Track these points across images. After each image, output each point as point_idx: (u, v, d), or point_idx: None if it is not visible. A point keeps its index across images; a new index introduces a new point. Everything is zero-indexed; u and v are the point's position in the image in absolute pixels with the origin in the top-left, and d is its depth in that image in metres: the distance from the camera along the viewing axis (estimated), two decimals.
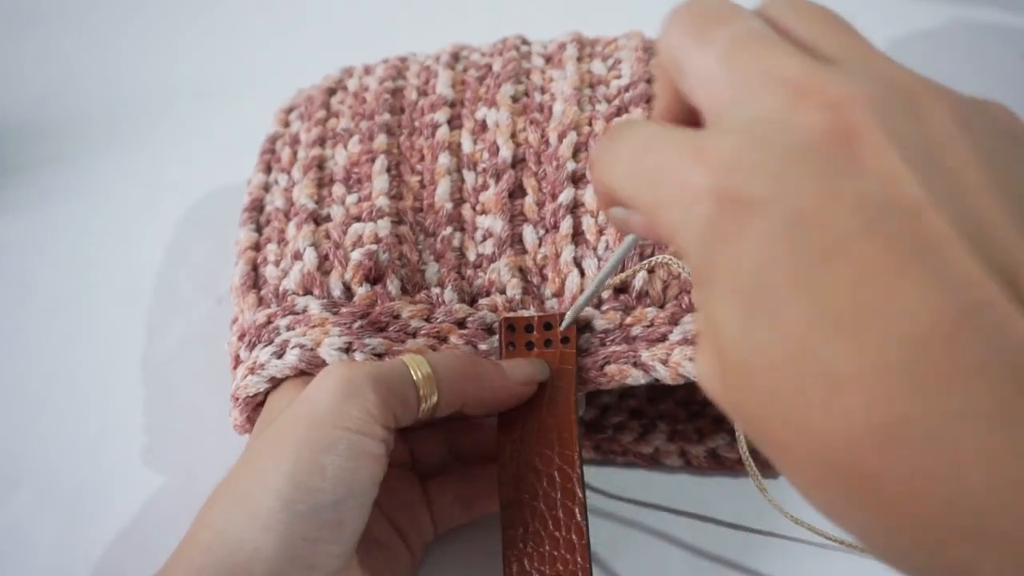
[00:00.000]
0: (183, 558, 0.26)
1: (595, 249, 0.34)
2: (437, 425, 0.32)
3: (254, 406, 0.33)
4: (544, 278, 0.35)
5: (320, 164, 0.39)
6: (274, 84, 0.48)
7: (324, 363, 0.31)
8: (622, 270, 0.33)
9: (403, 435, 0.29)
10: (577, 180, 0.36)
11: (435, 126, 0.39)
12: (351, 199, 0.37)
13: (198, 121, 0.56)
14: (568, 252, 0.35)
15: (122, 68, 0.63)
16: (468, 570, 0.33)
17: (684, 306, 0.33)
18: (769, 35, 0.19)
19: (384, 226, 0.35)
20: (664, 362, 0.31)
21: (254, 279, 0.36)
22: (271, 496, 0.26)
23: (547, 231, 0.35)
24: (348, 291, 0.34)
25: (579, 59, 0.40)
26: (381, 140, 0.39)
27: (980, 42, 0.62)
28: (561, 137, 0.37)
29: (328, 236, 0.36)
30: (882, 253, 0.16)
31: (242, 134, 0.46)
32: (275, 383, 0.32)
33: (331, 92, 0.43)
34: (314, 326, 0.33)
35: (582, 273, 0.34)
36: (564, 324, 0.32)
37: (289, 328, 0.33)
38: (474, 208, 0.36)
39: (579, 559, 0.28)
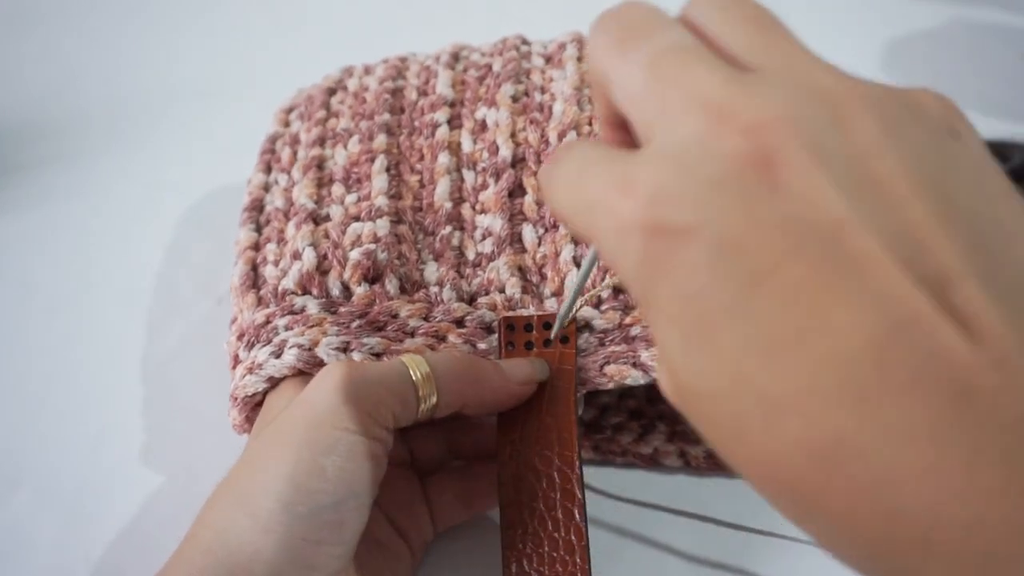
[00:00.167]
0: (184, 558, 0.26)
1: None
2: (436, 423, 0.32)
3: (253, 406, 0.33)
4: (543, 277, 0.35)
5: (320, 164, 0.39)
6: (274, 84, 0.48)
7: (322, 363, 0.31)
8: (594, 284, 0.33)
9: (402, 433, 0.29)
10: None
11: (435, 126, 0.39)
12: (350, 199, 0.37)
13: (198, 121, 0.56)
14: (568, 251, 0.35)
15: (122, 68, 0.63)
16: (468, 570, 0.33)
17: None
18: (690, 48, 0.19)
19: (383, 225, 0.35)
20: None
21: (253, 279, 0.36)
22: (271, 498, 0.26)
23: (546, 230, 0.35)
24: (347, 290, 0.34)
25: (579, 59, 0.40)
26: (381, 140, 0.39)
27: (980, 42, 0.62)
28: (561, 137, 0.37)
29: (327, 236, 0.36)
30: (809, 275, 0.16)
31: (242, 134, 0.46)
32: (274, 383, 0.32)
33: (331, 92, 0.43)
34: (312, 326, 0.33)
35: None
36: (553, 334, 0.32)
37: (287, 328, 0.33)
38: (473, 207, 0.36)
39: (578, 560, 0.28)
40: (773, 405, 0.16)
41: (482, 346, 0.33)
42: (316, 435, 0.26)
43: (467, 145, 0.38)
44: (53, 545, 0.34)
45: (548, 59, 0.41)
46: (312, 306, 0.33)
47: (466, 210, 0.36)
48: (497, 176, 0.37)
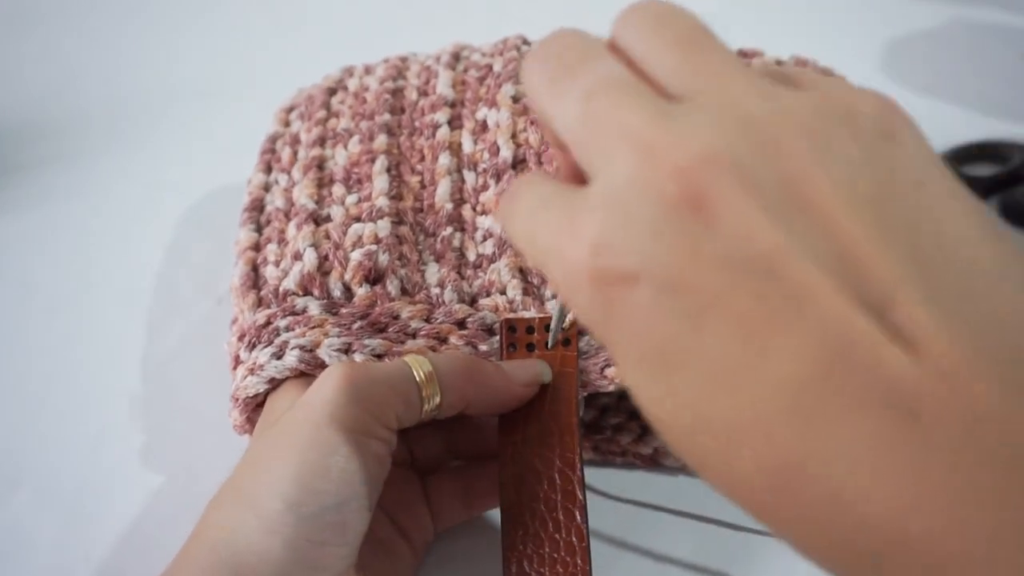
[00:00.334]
0: (190, 558, 0.26)
1: None
2: (436, 424, 0.32)
3: (254, 406, 0.33)
4: (544, 279, 0.35)
5: (320, 164, 0.39)
6: (274, 84, 0.48)
7: (323, 364, 0.31)
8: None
9: (402, 434, 0.29)
10: None
11: (435, 126, 0.38)
12: (351, 199, 0.37)
13: (198, 121, 0.56)
14: None
15: (122, 68, 0.63)
16: (469, 571, 0.33)
17: None
18: (619, 83, 0.19)
19: (384, 226, 0.35)
20: None
21: (254, 279, 0.36)
22: (277, 499, 0.26)
23: None
24: (348, 291, 0.34)
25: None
26: (381, 140, 0.39)
27: (980, 42, 0.62)
28: None
29: (328, 236, 0.36)
30: (750, 308, 0.16)
31: (242, 134, 0.46)
32: (275, 384, 0.32)
33: (331, 92, 0.43)
34: (313, 327, 0.33)
35: None
36: (549, 344, 0.32)
37: (288, 329, 0.33)
38: (474, 208, 0.36)
39: (579, 561, 0.28)
40: (729, 434, 0.17)
41: (484, 348, 0.32)
42: (321, 436, 0.26)
43: (468, 146, 0.38)
44: (53, 545, 0.34)
45: None
46: (313, 307, 0.33)
47: (467, 211, 0.36)
48: (498, 177, 0.37)
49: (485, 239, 0.36)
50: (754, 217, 0.17)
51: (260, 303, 0.35)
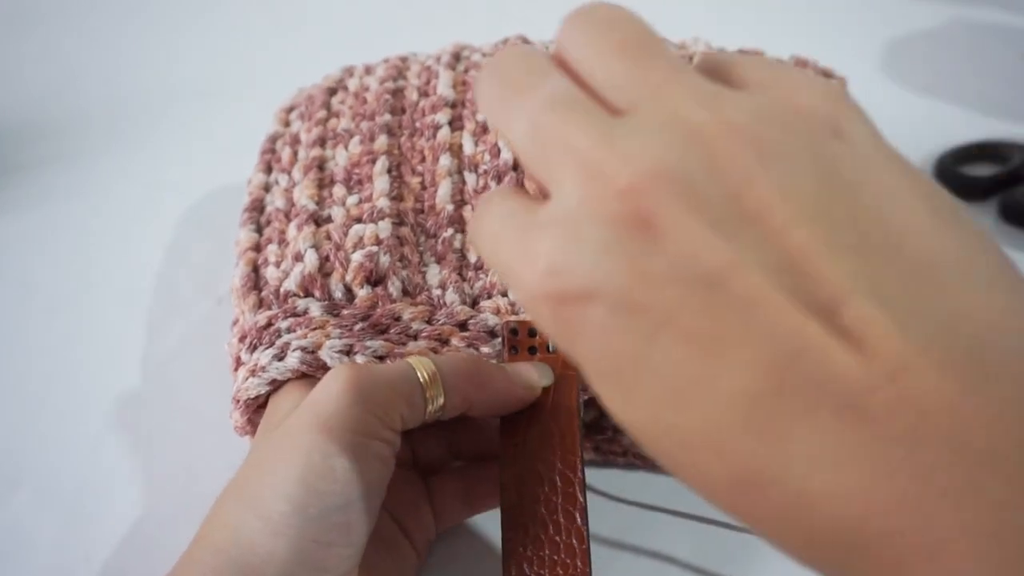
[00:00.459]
0: (195, 560, 0.26)
1: None
2: (439, 425, 0.32)
3: (255, 408, 0.33)
4: None
5: (321, 165, 0.39)
6: (274, 84, 0.48)
7: (325, 366, 0.31)
8: None
9: (405, 434, 0.29)
10: None
11: (436, 127, 0.38)
12: (352, 200, 0.37)
13: (198, 121, 0.56)
14: None
15: (122, 68, 0.63)
16: (470, 569, 0.33)
17: None
18: (564, 101, 0.19)
19: (385, 228, 0.35)
20: None
21: (255, 280, 0.36)
22: (282, 500, 0.26)
23: None
24: (349, 293, 0.34)
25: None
26: (382, 141, 0.39)
27: (980, 42, 0.62)
28: None
29: (329, 237, 0.36)
30: (701, 322, 0.17)
31: (242, 134, 0.46)
32: (276, 385, 0.32)
33: (332, 92, 0.43)
34: (315, 328, 0.33)
35: None
36: (550, 346, 0.32)
37: (290, 330, 0.33)
38: (475, 210, 0.36)
39: (579, 563, 0.28)
40: (692, 444, 0.17)
41: (485, 350, 0.32)
42: (325, 437, 0.26)
43: (468, 147, 0.38)
44: (53, 545, 0.34)
45: None
46: (315, 308, 0.33)
47: (468, 212, 0.36)
48: (499, 178, 0.36)
49: None
50: (699, 233, 0.17)
51: (261, 304, 0.35)
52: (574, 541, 0.28)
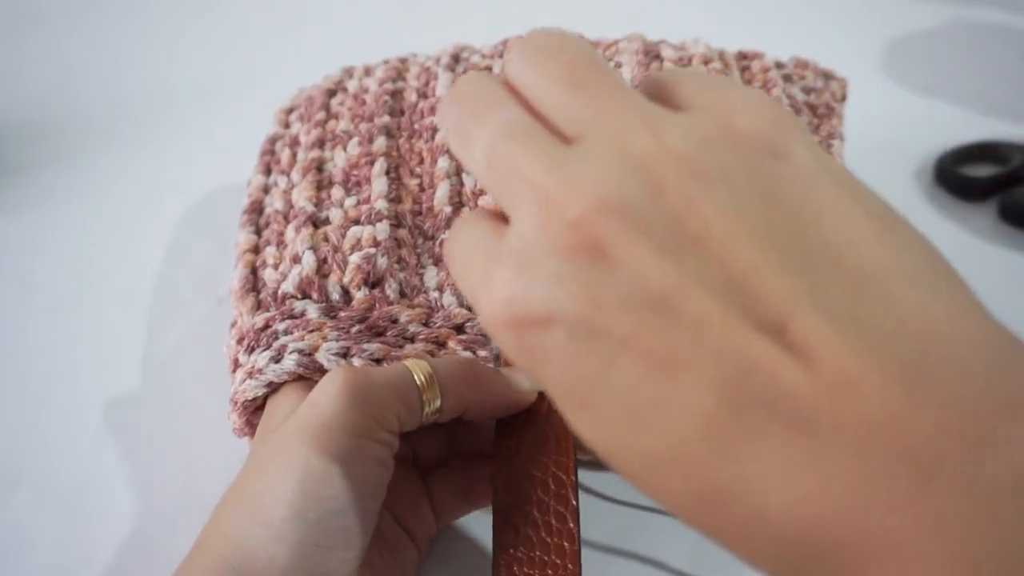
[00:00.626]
0: (196, 565, 0.26)
1: None
2: (438, 423, 0.32)
3: (253, 410, 0.33)
4: None
5: (319, 166, 0.39)
6: (274, 84, 0.48)
7: (322, 368, 0.31)
8: None
9: (405, 433, 0.29)
10: None
11: (435, 129, 0.38)
12: (350, 202, 0.37)
13: (198, 121, 0.56)
14: None
15: (122, 68, 0.63)
16: (470, 564, 0.33)
17: None
18: (517, 131, 0.20)
19: (383, 229, 0.35)
20: None
21: (253, 282, 0.36)
22: (283, 506, 0.26)
23: None
24: (346, 295, 0.34)
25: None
26: (380, 142, 0.39)
27: (980, 42, 0.62)
28: None
29: (327, 239, 0.36)
30: (654, 345, 0.17)
31: (242, 134, 0.46)
32: (274, 387, 0.32)
33: (331, 93, 0.43)
34: (312, 330, 0.32)
35: None
36: None
37: (287, 332, 0.33)
38: None
39: (569, 565, 0.28)
40: (654, 463, 0.18)
41: (483, 353, 0.32)
42: (324, 441, 0.26)
43: None
44: (53, 545, 0.34)
45: None
46: (312, 310, 0.33)
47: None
48: None
49: None
50: (648, 258, 0.18)
51: (259, 306, 0.35)
52: (565, 543, 0.28)
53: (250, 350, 0.33)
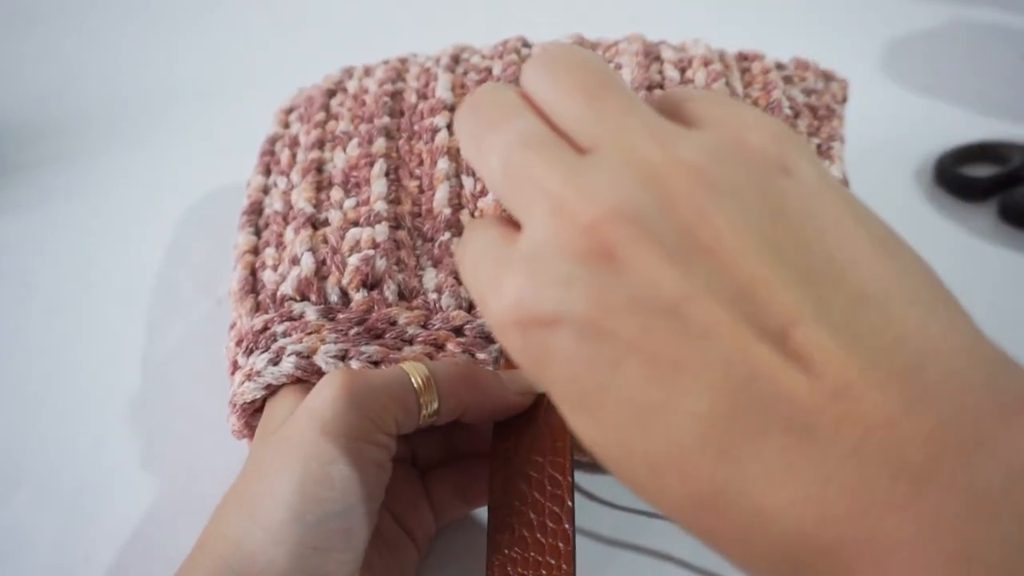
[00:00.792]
0: (196, 567, 0.26)
1: None
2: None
3: (252, 412, 0.33)
4: None
5: (319, 167, 0.39)
6: (274, 84, 0.48)
7: (320, 371, 0.31)
8: None
9: (403, 434, 0.30)
10: None
11: (434, 130, 0.38)
12: (349, 203, 0.37)
13: (198, 121, 0.56)
14: None
15: (122, 68, 0.63)
16: (470, 564, 0.33)
17: None
18: (533, 140, 0.21)
19: (382, 231, 0.35)
20: None
21: (252, 284, 0.36)
22: (282, 508, 0.26)
23: None
24: (345, 296, 0.34)
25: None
26: (380, 144, 0.39)
27: (980, 42, 0.62)
28: None
29: (326, 241, 0.35)
30: (660, 349, 0.18)
31: (242, 134, 0.46)
32: (272, 390, 0.32)
33: (331, 94, 0.43)
34: (310, 333, 0.32)
35: None
36: None
37: (286, 334, 0.33)
38: (472, 214, 0.36)
39: (564, 565, 0.28)
40: (655, 466, 0.18)
41: (481, 356, 0.32)
42: (322, 444, 0.27)
43: None
44: (53, 545, 0.34)
45: None
46: (310, 312, 0.33)
47: (465, 216, 0.36)
48: None
49: None
50: (658, 265, 0.18)
51: (258, 308, 0.35)
52: (560, 543, 0.28)
53: (249, 352, 0.33)
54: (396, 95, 0.41)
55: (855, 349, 0.17)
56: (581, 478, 0.34)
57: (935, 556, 0.16)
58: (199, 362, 0.40)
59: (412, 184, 0.37)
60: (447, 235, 0.36)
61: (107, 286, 0.45)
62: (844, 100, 0.42)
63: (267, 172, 0.41)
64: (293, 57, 0.61)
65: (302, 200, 0.37)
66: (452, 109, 0.39)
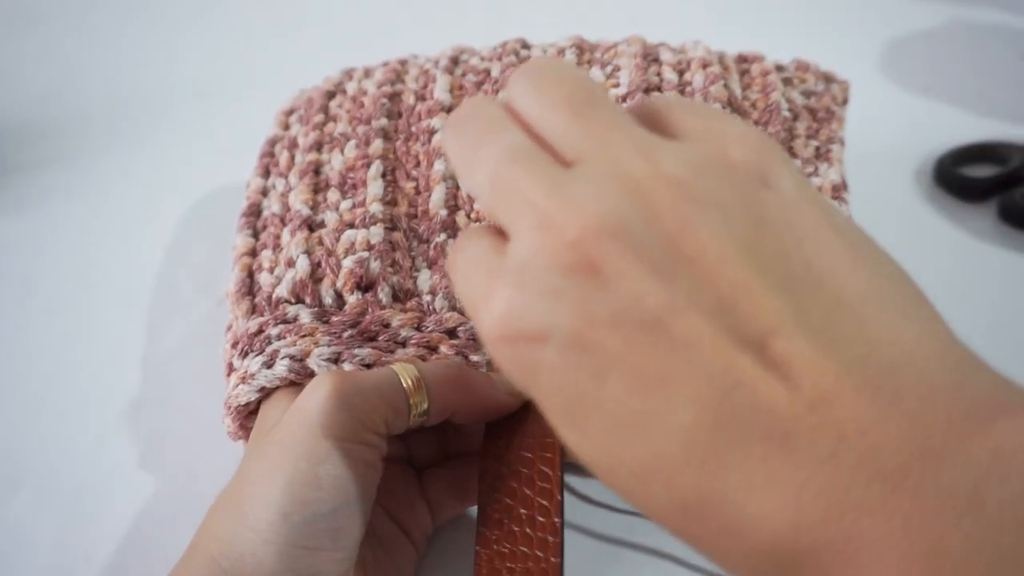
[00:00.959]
0: (188, 567, 0.27)
1: None
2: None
3: (247, 414, 0.33)
4: None
5: (317, 169, 0.39)
6: (274, 84, 0.48)
7: (313, 374, 0.31)
8: None
9: (399, 433, 0.30)
10: None
11: (431, 132, 0.38)
12: (345, 205, 0.37)
13: (198, 121, 0.56)
14: None
15: (122, 68, 0.63)
16: (469, 568, 0.33)
17: None
18: (519, 155, 0.21)
19: (377, 233, 0.35)
20: None
21: (249, 286, 0.36)
22: (271, 509, 0.26)
23: None
24: (340, 299, 0.34)
25: (577, 65, 0.40)
26: (377, 145, 0.39)
27: (980, 42, 0.62)
28: None
29: (321, 243, 0.35)
30: (644, 361, 0.18)
31: (242, 134, 0.46)
32: (266, 392, 0.32)
33: (330, 95, 0.43)
34: (304, 336, 0.32)
35: None
36: None
37: (280, 337, 0.33)
38: (468, 215, 0.36)
39: (552, 558, 0.28)
40: (640, 475, 0.19)
41: (475, 358, 0.32)
42: (310, 445, 0.27)
43: None
44: (53, 545, 0.34)
45: None
46: (304, 315, 0.33)
47: (461, 218, 0.36)
48: None
49: None
50: (642, 278, 0.19)
51: (254, 310, 0.35)
52: (549, 536, 0.28)
53: (244, 355, 0.33)
54: (394, 97, 0.41)
55: (831, 356, 0.18)
56: (581, 478, 0.34)
57: (906, 554, 0.17)
58: (199, 362, 0.40)
59: (409, 185, 0.37)
60: (443, 236, 0.36)
61: (107, 286, 0.45)
62: (845, 102, 0.42)
63: (266, 174, 0.41)
64: (293, 57, 0.61)
65: (299, 202, 0.37)
66: (450, 111, 0.39)
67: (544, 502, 0.28)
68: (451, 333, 0.33)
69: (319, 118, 0.41)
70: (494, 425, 0.31)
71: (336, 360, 0.32)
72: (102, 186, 0.52)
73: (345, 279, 0.34)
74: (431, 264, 0.35)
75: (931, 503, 0.17)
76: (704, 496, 0.18)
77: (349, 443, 0.27)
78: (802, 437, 0.18)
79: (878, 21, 0.64)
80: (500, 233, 0.22)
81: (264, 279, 0.36)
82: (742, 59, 0.41)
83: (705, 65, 0.39)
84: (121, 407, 0.39)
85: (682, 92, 0.38)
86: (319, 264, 0.35)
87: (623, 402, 0.19)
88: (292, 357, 0.32)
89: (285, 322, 0.33)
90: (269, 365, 0.32)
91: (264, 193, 0.40)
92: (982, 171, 0.49)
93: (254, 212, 0.39)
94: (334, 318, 0.33)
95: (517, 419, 0.31)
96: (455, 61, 0.42)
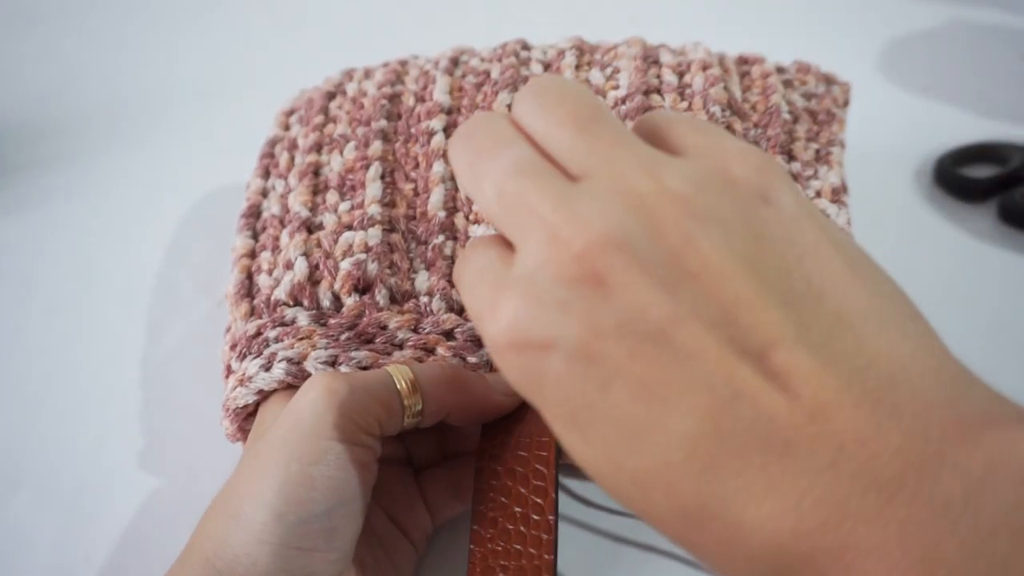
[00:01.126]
0: (184, 568, 0.27)
1: None
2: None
3: (245, 416, 0.33)
4: None
5: (316, 170, 0.39)
6: (274, 84, 0.48)
7: (310, 376, 0.31)
8: None
9: (397, 434, 0.30)
10: None
11: (431, 133, 0.38)
12: (344, 207, 0.37)
13: (198, 121, 0.56)
14: None
15: (122, 68, 0.63)
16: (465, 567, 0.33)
17: None
18: (526, 168, 0.21)
19: (374, 235, 0.35)
20: None
21: (248, 287, 0.36)
22: (265, 510, 0.26)
23: None
24: (337, 301, 0.34)
25: (577, 67, 0.40)
26: (376, 146, 0.39)
27: (980, 42, 0.62)
28: None
29: (319, 245, 0.35)
30: (648, 371, 0.19)
31: (242, 134, 0.46)
32: (264, 395, 0.32)
33: (330, 96, 0.43)
34: (302, 338, 0.32)
35: None
36: None
37: (278, 340, 0.33)
38: (467, 217, 0.36)
39: (545, 555, 0.28)
40: (642, 482, 0.19)
41: (472, 360, 0.32)
42: (304, 446, 0.27)
43: None
44: (53, 545, 0.34)
45: (547, 67, 0.41)
46: (302, 318, 0.33)
47: (459, 220, 0.36)
48: None
49: None
50: (646, 290, 0.19)
51: (253, 312, 0.35)
52: (542, 534, 0.28)
53: (242, 357, 0.33)
54: (394, 98, 0.41)
55: (831, 370, 0.19)
56: (579, 481, 0.34)
57: (901, 561, 0.17)
58: (199, 362, 0.40)
59: (408, 187, 0.37)
60: (441, 238, 0.35)
61: (107, 286, 0.45)
62: (846, 104, 0.42)
63: (266, 175, 0.41)
64: (293, 58, 0.61)
65: (298, 204, 0.37)
66: (449, 112, 0.39)
67: (538, 500, 0.29)
68: (448, 335, 0.33)
69: (319, 119, 0.41)
70: (490, 425, 0.31)
71: (333, 363, 0.32)
72: (102, 186, 0.52)
73: (343, 281, 0.34)
74: (429, 266, 0.35)
75: (926, 511, 0.17)
76: (704, 503, 0.19)
77: (342, 443, 0.27)
78: (802, 446, 0.18)
79: (878, 21, 0.64)
80: (506, 244, 0.22)
81: (263, 281, 0.36)
82: (742, 61, 0.41)
83: (705, 67, 0.39)
84: (121, 407, 0.39)
85: (682, 94, 0.38)
86: (317, 266, 0.35)
87: (627, 410, 0.19)
88: (290, 360, 0.32)
89: (283, 325, 0.33)
90: (267, 368, 0.32)
91: (264, 194, 0.40)
92: (982, 171, 0.49)
93: (254, 213, 0.39)
94: (331, 321, 0.33)
95: (513, 419, 0.31)
96: (455, 62, 0.42)
